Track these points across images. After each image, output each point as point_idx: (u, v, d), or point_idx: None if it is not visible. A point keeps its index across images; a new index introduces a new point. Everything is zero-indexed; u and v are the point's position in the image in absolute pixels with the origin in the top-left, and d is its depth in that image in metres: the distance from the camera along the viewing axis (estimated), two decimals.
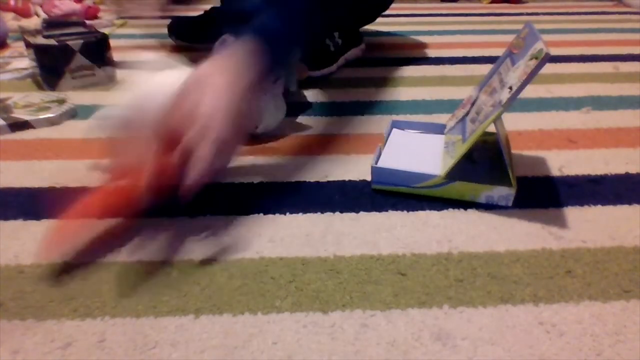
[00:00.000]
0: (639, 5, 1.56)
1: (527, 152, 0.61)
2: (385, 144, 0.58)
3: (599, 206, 0.50)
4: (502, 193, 0.49)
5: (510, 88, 0.46)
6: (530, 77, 0.44)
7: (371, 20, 1.06)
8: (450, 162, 0.49)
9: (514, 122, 0.69)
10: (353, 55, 0.98)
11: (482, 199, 0.50)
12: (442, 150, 0.56)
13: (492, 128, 0.49)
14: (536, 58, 0.44)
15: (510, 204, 0.49)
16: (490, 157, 0.55)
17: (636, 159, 0.59)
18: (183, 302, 0.38)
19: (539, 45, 0.46)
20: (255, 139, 0.64)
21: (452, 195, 0.50)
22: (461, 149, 0.49)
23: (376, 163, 0.54)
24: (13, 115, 0.68)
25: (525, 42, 0.50)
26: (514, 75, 0.47)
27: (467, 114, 0.55)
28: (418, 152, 0.57)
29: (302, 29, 0.56)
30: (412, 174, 0.51)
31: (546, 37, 1.14)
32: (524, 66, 0.46)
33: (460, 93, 0.81)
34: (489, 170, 0.51)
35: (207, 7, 1.11)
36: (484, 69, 0.93)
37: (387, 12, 1.03)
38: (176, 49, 1.07)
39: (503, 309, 0.37)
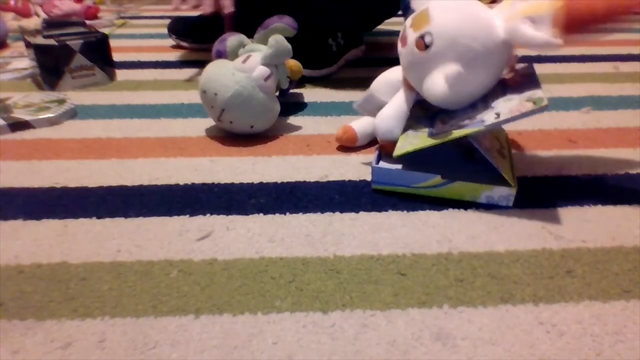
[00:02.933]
0: None
1: (527, 152, 0.61)
2: None
3: (599, 206, 0.50)
4: (502, 193, 0.49)
5: (498, 114, 0.47)
6: (522, 117, 0.45)
7: (377, 24, 1.07)
8: (410, 148, 0.49)
9: (514, 122, 0.69)
10: (353, 56, 0.98)
11: (482, 199, 0.50)
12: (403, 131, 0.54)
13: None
14: (534, 103, 0.45)
15: (510, 204, 0.49)
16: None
17: (636, 159, 0.59)
18: (183, 302, 0.38)
19: (540, 93, 0.47)
20: (252, 138, 0.64)
21: (452, 196, 0.50)
22: (424, 143, 0.49)
23: (376, 163, 0.54)
24: (13, 115, 0.68)
25: (522, 79, 0.51)
26: (505, 105, 0.48)
27: (437, 112, 0.54)
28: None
29: None
30: (412, 174, 0.51)
31: None
32: (518, 103, 0.47)
33: None
34: (489, 170, 0.51)
35: None
36: None
37: None
38: (176, 49, 1.07)
39: (503, 309, 0.37)
